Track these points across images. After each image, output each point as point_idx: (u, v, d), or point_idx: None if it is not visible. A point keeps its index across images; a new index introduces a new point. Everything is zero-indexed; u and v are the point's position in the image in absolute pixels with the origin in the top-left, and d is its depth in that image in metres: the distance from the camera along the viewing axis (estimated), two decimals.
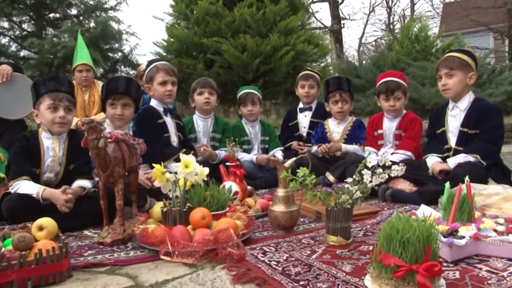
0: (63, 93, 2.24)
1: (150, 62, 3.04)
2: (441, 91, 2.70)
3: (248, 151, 3.46)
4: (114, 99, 2.53)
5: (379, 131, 3.12)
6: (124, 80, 2.61)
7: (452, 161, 2.51)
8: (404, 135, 3.01)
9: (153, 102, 2.92)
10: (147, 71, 2.94)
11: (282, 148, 3.60)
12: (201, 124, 3.33)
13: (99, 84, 4.10)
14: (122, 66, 8.36)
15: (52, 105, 2.20)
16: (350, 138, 3.36)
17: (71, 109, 2.27)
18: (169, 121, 2.91)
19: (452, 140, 2.65)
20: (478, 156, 2.46)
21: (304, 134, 3.77)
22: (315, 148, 3.35)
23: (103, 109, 2.68)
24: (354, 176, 1.77)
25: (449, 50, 2.79)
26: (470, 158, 2.47)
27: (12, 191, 2.10)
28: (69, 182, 2.22)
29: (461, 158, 2.50)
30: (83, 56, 4.11)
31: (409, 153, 2.90)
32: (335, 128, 3.45)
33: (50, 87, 2.23)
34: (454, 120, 2.66)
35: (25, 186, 2.09)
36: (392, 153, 2.89)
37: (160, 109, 2.89)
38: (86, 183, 2.22)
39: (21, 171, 2.14)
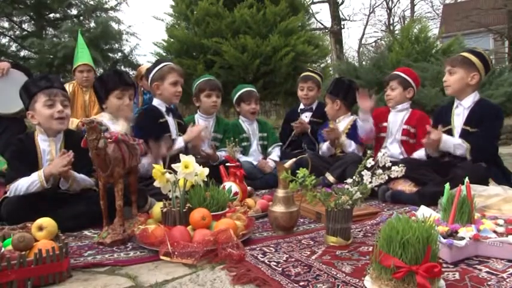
0: (57, 89, 2.23)
1: (158, 61, 3.06)
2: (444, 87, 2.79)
3: (247, 148, 3.48)
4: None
5: (384, 124, 3.16)
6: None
7: (445, 137, 2.59)
8: (414, 131, 3.04)
9: (156, 102, 2.93)
10: (156, 69, 2.93)
11: (280, 144, 3.63)
12: (203, 124, 3.33)
13: None
14: (122, 67, 8.38)
15: (48, 101, 2.17)
16: (350, 137, 3.36)
17: (67, 104, 2.25)
18: (170, 121, 2.93)
19: (456, 138, 2.67)
20: (469, 146, 2.54)
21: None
22: (323, 146, 3.38)
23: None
24: (354, 177, 1.77)
25: (463, 50, 2.90)
26: (459, 141, 2.58)
27: (11, 195, 2.08)
28: None
29: (451, 138, 2.59)
30: (83, 56, 4.12)
31: None
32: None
33: (43, 85, 2.20)
34: (458, 118, 2.70)
35: (22, 183, 2.06)
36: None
37: (163, 109, 2.91)
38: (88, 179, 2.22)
39: (17, 176, 2.11)
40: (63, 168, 2.04)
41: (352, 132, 3.37)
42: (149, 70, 3.03)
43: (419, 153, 2.93)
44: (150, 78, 2.95)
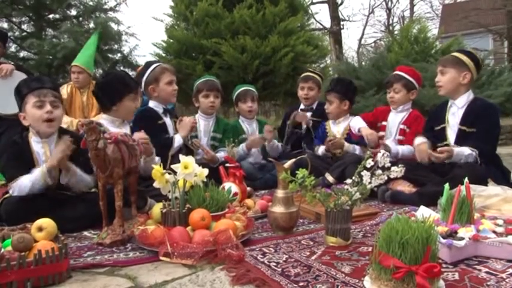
0: (47, 89, 2.18)
1: (148, 64, 3.04)
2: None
3: None
4: None
5: (383, 123, 3.19)
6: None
7: (457, 150, 2.52)
8: (408, 131, 3.06)
9: (152, 104, 2.92)
10: (149, 72, 2.91)
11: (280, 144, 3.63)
12: (203, 123, 3.34)
13: None
14: (122, 67, 8.37)
15: (38, 102, 2.12)
16: (350, 138, 3.36)
17: (57, 105, 2.19)
18: (168, 121, 2.93)
19: (452, 137, 2.67)
20: (476, 152, 2.49)
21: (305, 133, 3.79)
22: (319, 149, 3.37)
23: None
24: (353, 177, 1.77)
25: (454, 51, 2.89)
26: (468, 151, 2.51)
27: (15, 194, 2.06)
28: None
29: (462, 149, 2.51)
30: (80, 57, 4.15)
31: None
32: (335, 128, 3.46)
33: (33, 86, 2.16)
34: (453, 118, 2.70)
35: (25, 181, 2.04)
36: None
37: (160, 110, 2.91)
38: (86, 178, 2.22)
39: (18, 174, 2.09)
40: (61, 154, 2.03)
41: (351, 135, 3.38)
42: (140, 74, 3.00)
43: (402, 148, 2.98)
44: (143, 82, 2.93)
